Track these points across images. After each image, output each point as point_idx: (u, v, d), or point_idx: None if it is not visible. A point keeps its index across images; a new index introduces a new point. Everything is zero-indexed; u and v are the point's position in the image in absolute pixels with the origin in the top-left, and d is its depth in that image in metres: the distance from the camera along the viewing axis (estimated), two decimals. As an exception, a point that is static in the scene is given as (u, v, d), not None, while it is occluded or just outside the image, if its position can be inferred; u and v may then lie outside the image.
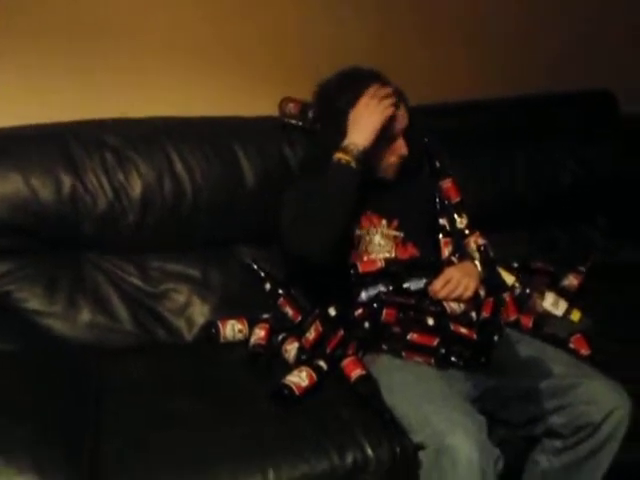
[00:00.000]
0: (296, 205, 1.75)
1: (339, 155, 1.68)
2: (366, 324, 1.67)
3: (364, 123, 1.70)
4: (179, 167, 1.90)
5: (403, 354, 1.63)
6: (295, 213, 1.73)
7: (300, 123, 2.02)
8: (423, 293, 1.71)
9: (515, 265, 2.06)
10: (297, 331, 1.77)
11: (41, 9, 1.87)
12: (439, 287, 1.69)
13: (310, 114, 2.02)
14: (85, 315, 1.82)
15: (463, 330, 1.61)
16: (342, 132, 1.73)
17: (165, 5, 2.01)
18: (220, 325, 1.84)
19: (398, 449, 1.49)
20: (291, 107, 2.05)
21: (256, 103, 2.08)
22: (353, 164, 1.67)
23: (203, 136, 1.97)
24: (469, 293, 1.69)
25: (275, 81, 2.16)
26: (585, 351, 1.76)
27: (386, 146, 1.77)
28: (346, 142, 1.70)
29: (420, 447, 1.43)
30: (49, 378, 1.49)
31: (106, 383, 1.63)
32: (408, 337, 1.62)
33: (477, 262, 1.81)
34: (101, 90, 1.99)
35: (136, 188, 1.86)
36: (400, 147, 1.79)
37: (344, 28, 2.22)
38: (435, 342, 1.59)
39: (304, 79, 2.10)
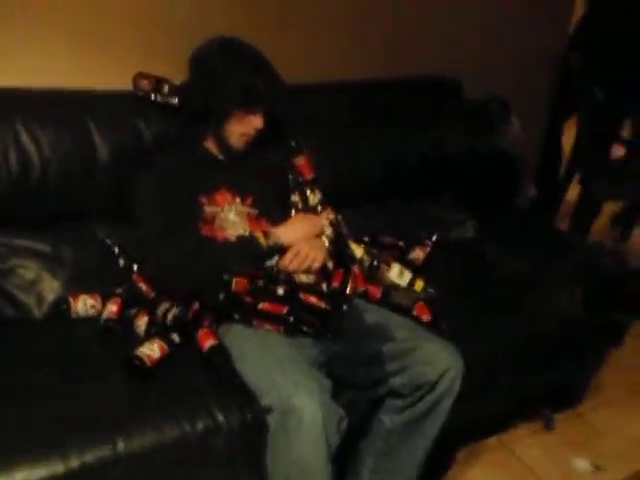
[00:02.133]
0: (173, 238, 1.75)
1: (259, 235, 1.77)
2: (220, 295, 1.70)
3: (301, 230, 1.84)
4: (25, 139, 1.83)
5: (254, 323, 1.67)
6: (174, 251, 1.74)
7: (156, 97, 2.01)
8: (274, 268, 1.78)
9: (365, 239, 2.16)
10: (149, 306, 1.78)
11: None
12: (288, 261, 1.75)
13: (165, 89, 2.02)
14: None
15: (313, 299, 1.68)
16: (209, 97, 1.80)
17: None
18: (72, 300, 1.80)
19: (249, 414, 1.55)
20: (145, 83, 2.02)
21: (110, 78, 2.03)
22: (264, 249, 1.75)
23: (52, 108, 1.91)
24: (317, 264, 1.77)
25: (132, 56, 2.12)
26: (427, 317, 1.87)
27: (244, 115, 1.82)
28: (273, 230, 1.80)
29: (268, 410, 1.48)
30: None
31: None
32: (259, 306, 1.67)
33: (325, 236, 1.88)
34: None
35: (-21, 160, 1.78)
36: (256, 120, 1.84)
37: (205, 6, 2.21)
38: (284, 310, 1.65)
39: (162, 56, 2.11)
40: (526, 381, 2.15)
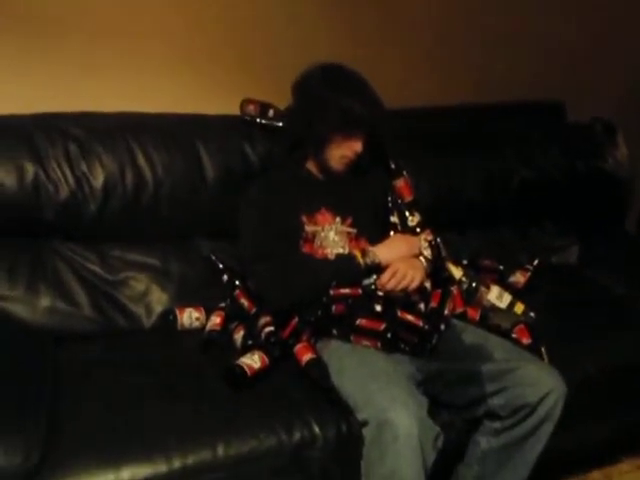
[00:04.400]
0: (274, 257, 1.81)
1: (357, 253, 1.81)
2: (319, 312, 1.74)
3: (399, 250, 1.85)
4: (141, 160, 1.96)
5: (352, 338, 1.70)
6: (275, 267, 1.79)
7: (261, 120, 2.10)
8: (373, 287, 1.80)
9: (465, 262, 2.15)
10: (249, 321, 1.83)
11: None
12: (386, 280, 1.77)
13: (270, 113, 2.11)
14: (45, 300, 1.85)
15: (410, 317, 1.69)
16: (311, 122, 1.85)
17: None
18: (178, 312, 1.89)
19: (344, 427, 1.56)
20: (251, 108, 2.12)
21: (219, 103, 2.14)
22: (362, 267, 1.78)
23: (166, 131, 2.03)
24: (415, 284, 1.77)
25: (238, 82, 2.22)
26: (527, 340, 1.84)
27: (343, 139, 1.87)
28: (372, 249, 1.83)
29: (364, 424, 1.50)
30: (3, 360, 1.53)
31: (64, 366, 1.66)
32: (357, 322, 1.69)
33: (423, 257, 1.89)
34: (64, 85, 2.04)
35: (98, 178, 1.91)
36: (355, 144, 1.88)
37: (309, 31, 2.30)
38: (382, 327, 1.67)
39: (267, 81, 2.20)
40: (631, 411, 2.06)
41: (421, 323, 1.67)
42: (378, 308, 1.70)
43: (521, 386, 1.61)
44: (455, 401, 1.69)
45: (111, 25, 2.05)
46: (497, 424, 1.66)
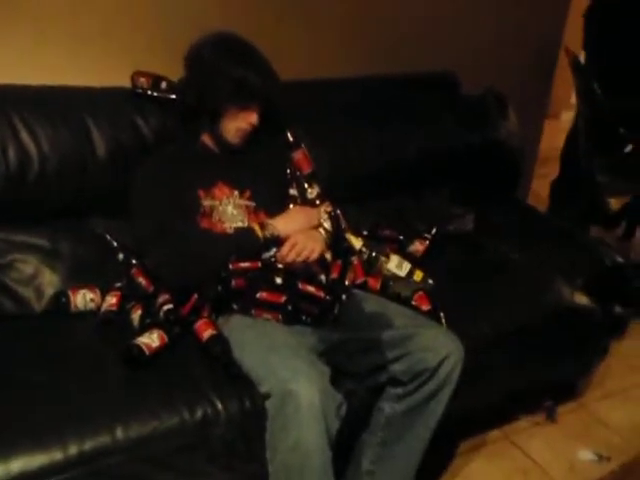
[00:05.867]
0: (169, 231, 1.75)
1: (255, 226, 1.77)
2: (218, 287, 1.70)
3: (298, 222, 1.83)
4: (24, 135, 1.84)
5: (253, 312, 1.68)
6: (172, 244, 1.74)
7: (153, 93, 2.02)
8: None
9: (365, 233, 2.17)
10: (147, 300, 1.78)
11: None
12: (286, 252, 1.75)
13: (163, 85, 2.03)
14: None
15: (311, 289, 1.68)
16: (204, 94, 1.81)
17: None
18: (71, 294, 1.81)
19: (247, 401, 1.55)
20: (143, 81, 2.04)
21: (109, 76, 2.05)
22: (261, 240, 1.75)
23: (51, 104, 1.92)
24: (315, 255, 1.76)
25: (130, 54, 2.13)
26: (426, 306, 1.88)
27: (238, 110, 1.83)
28: (270, 221, 1.80)
29: (267, 396, 1.49)
30: None
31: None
32: (257, 295, 1.67)
33: (322, 229, 1.88)
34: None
35: (-23, 155, 1.79)
36: (250, 115, 1.85)
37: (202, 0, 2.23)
38: (282, 299, 1.66)
39: (160, 53, 2.12)
40: (527, 371, 2.15)
41: (322, 294, 1.68)
42: (278, 280, 1.69)
43: (421, 351, 1.64)
44: (357, 369, 1.71)
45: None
46: (399, 390, 1.69)
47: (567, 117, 5.14)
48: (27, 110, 1.88)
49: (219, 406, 1.53)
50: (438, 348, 1.64)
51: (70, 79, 2.00)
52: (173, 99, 2.01)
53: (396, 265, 2.02)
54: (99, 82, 2.03)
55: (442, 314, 1.86)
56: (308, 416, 1.41)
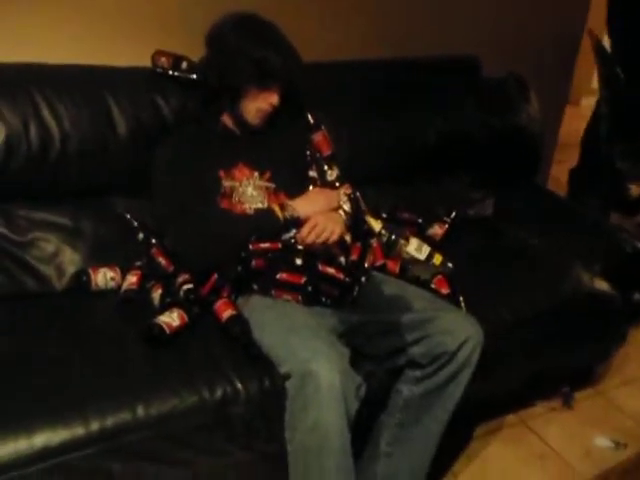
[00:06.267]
0: (188, 213, 1.76)
1: (275, 207, 1.77)
2: (238, 267, 1.71)
3: (318, 204, 1.82)
4: (46, 114, 1.84)
5: (273, 293, 1.68)
6: (192, 224, 1.74)
7: (174, 73, 2.02)
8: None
9: (384, 215, 2.17)
10: (167, 279, 1.78)
11: None
12: (305, 233, 1.75)
13: (184, 65, 2.03)
14: (-53, 263, 1.75)
15: (331, 270, 1.68)
16: (225, 74, 1.80)
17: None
18: (91, 273, 1.82)
19: (267, 381, 1.56)
20: (163, 60, 2.03)
21: (130, 55, 2.04)
22: (281, 221, 1.75)
23: (72, 83, 1.92)
24: (334, 237, 1.76)
25: (150, 34, 2.13)
26: (445, 290, 1.87)
27: (258, 91, 1.82)
28: (290, 203, 1.79)
29: (287, 377, 1.49)
30: None
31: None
32: (277, 276, 1.67)
33: (342, 211, 1.88)
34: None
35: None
36: (271, 96, 1.84)
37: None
38: (302, 280, 1.66)
39: (181, 33, 2.12)
40: (545, 357, 2.13)
41: (342, 276, 1.68)
42: (298, 262, 1.69)
43: (440, 334, 1.64)
44: (377, 351, 1.71)
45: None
46: (418, 372, 1.68)
47: (587, 103, 5.06)
48: (49, 88, 1.88)
49: (239, 386, 1.54)
50: (457, 331, 1.64)
51: (91, 59, 1.99)
52: (194, 79, 2.01)
53: (415, 248, 2.01)
54: (118, 62, 2.03)
55: (461, 298, 1.85)
56: (328, 397, 1.41)
